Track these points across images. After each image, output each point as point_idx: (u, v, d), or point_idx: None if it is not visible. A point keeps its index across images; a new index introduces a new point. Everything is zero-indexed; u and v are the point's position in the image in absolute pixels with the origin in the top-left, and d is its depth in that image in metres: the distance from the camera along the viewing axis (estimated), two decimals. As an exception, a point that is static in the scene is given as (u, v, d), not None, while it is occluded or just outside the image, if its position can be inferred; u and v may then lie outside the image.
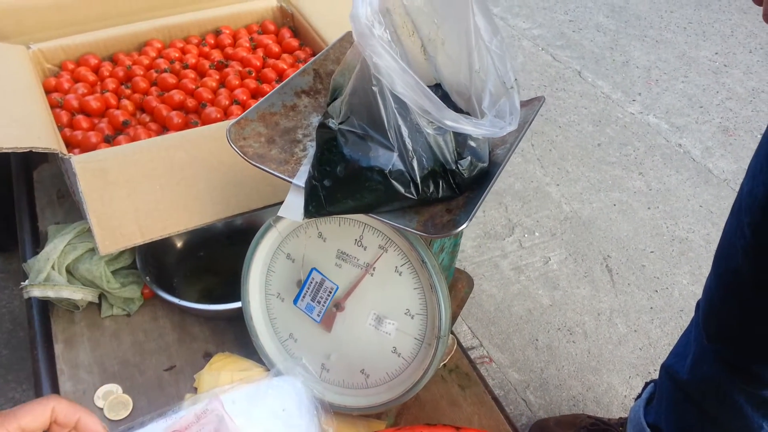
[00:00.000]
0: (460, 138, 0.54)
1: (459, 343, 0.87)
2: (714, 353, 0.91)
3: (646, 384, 1.14)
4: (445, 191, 0.56)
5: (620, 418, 1.25)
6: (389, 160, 0.55)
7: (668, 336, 1.54)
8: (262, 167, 0.59)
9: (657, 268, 1.71)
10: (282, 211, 0.57)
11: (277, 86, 0.65)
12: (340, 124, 0.55)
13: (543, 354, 1.48)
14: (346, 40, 0.78)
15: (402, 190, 0.56)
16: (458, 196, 0.58)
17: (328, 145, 0.58)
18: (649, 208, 1.89)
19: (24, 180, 1.09)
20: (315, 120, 0.65)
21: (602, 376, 1.44)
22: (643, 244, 1.78)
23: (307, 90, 0.67)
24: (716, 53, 2.68)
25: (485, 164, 0.59)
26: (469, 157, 0.56)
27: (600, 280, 1.67)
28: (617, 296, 1.63)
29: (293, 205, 0.57)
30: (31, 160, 1.12)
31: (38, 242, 0.97)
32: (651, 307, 1.60)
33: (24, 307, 0.88)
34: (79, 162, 0.80)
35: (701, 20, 2.92)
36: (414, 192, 0.56)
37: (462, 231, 0.81)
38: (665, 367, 1.03)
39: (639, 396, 1.14)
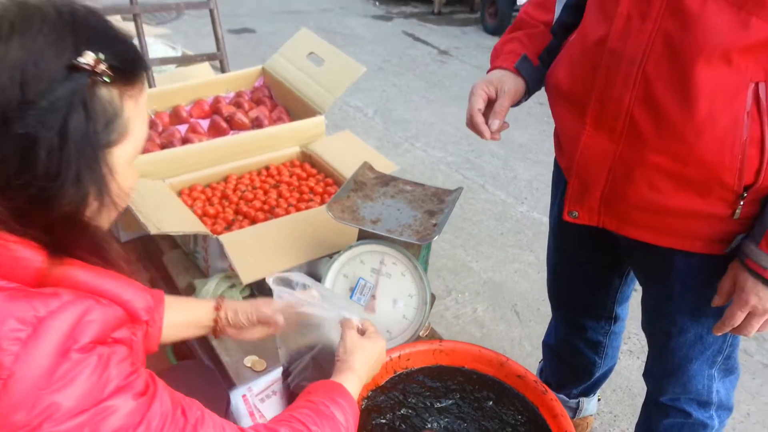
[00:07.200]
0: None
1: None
2: (561, 319, 1.67)
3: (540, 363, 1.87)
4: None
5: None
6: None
7: (559, 351, 2.28)
8: (345, 222, 1.33)
9: (549, 309, 2.49)
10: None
11: (340, 188, 1.42)
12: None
13: (479, 367, 2.19)
14: (361, 167, 1.56)
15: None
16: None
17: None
18: (539, 273, 2.72)
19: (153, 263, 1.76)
20: (360, 202, 1.41)
21: (518, 377, 2.16)
22: (537, 294, 2.58)
23: (354, 189, 1.43)
24: (577, 168, 3.70)
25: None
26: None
27: (511, 320, 2.43)
28: (523, 329, 2.39)
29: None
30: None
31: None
32: (546, 333, 2.36)
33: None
34: (224, 238, 1.50)
35: (565, 145, 3.99)
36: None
37: (429, 247, 1.56)
38: (543, 343, 1.78)
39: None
